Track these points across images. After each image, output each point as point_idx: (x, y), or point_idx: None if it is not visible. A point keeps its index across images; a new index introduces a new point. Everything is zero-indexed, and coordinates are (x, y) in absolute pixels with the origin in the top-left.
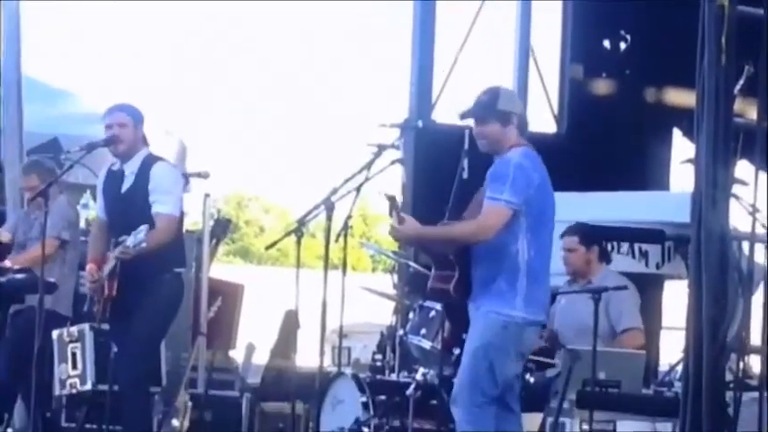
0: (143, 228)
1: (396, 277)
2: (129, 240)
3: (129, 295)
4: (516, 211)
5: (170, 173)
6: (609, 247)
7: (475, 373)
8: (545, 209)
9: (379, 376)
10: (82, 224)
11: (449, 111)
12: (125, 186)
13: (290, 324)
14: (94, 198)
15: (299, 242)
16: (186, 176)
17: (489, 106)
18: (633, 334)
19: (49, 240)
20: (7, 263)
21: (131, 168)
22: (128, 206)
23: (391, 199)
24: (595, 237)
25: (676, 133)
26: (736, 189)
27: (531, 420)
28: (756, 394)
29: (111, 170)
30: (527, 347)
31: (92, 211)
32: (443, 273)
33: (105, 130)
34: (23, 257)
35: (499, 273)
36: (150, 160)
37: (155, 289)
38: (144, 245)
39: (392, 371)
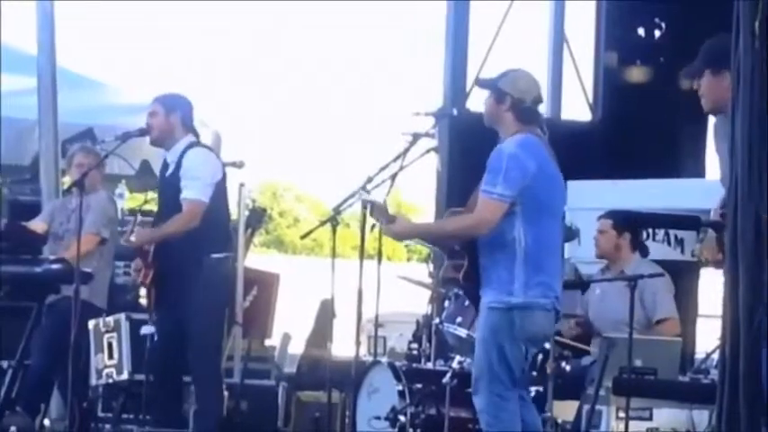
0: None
1: (431, 266)
2: (128, 228)
3: (168, 282)
4: (511, 203)
5: (201, 159)
6: (644, 235)
7: (488, 362)
8: (545, 194)
9: (415, 365)
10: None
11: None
12: (167, 174)
13: (326, 313)
14: (129, 188)
15: (334, 231)
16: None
17: (493, 80)
18: (669, 324)
19: (89, 236)
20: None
21: (173, 156)
22: (167, 193)
23: (369, 205)
24: (629, 224)
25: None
26: None
27: (567, 408)
28: None
29: (164, 160)
30: (537, 331)
31: (127, 201)
32: (456, 262)
33: None
34: (62, 253)
35: (498, 261)
36: (189, 147)
37: (194, 275)
38: (137, 227)
39: (428, 359)
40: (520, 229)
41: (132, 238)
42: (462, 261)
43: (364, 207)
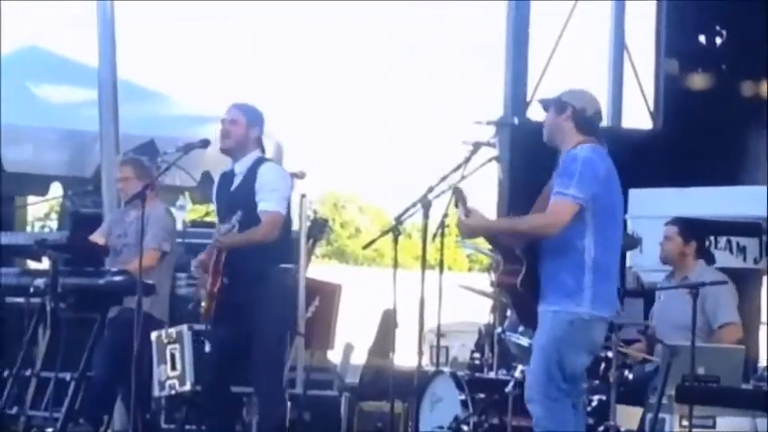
0: (237, 214)
1: (493, 275)
2: (223, 228)
3: (234, 293)
4: (582, 207)
5: (277, 171)
6: (706, 243)
7: (546, 368)
8: (612, 204)
9: (477, 374)
10: (179, 225)
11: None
12: (234, 185)
13: (388, 323)
14: (192, 200)
15: (395, 241)
16: None
17: (555, 97)
18: (730, 329)
19: (151, 252)
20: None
21: (241, 168)
22: (235, 204)
23: (457, 191)
24: (696, 233)
25: None
26: None
27: (630, 415)
28: None
29: (224, 172)
30: (596, 343)
31: (188, 213)
32: (512, 267)
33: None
34: (131, 265)
35: (564, 269)
36: (261, 161)
37: (262, 287)
38: (235, 229)
39: (491, 369)
40: (590, 237)
41: (214, 243)
42: (519, 267)
43: (454, 192)
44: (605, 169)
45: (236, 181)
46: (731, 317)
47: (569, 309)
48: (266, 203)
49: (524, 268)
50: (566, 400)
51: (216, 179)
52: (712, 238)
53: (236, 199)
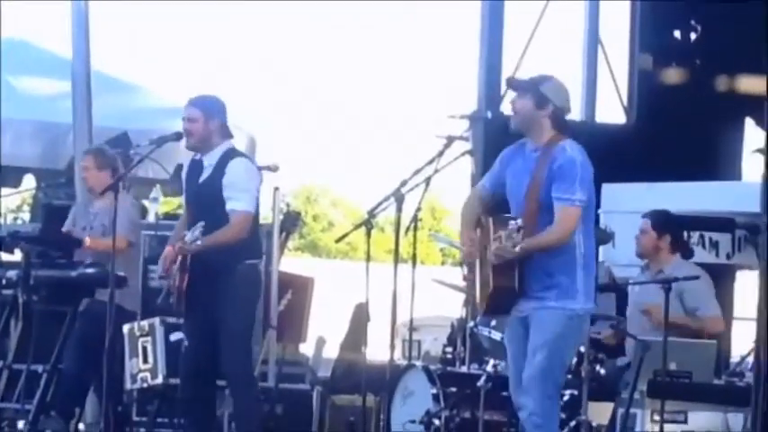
0: (200, 225)
1: (466, 269)
2: (188, 236)
3: (202, 288)
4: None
5: (246, 169)
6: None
7: (549, 365)
8: (593, 200)
9: (449, 368)
10: (151, 218)
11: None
12: (202, 177)
13: (361, 317)
14: (164, 192)
15: (368, 235)
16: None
17: (531, 83)
18: (714, 320)
19: (118, 237)
20: (87, 240)
21: (210, 161)
22: (202, 197)
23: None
24: (670, 227)
25: (748, 122)
26: None
27: (602, 410)
28: None
29: (194, 160)
30: (584, 336)
31: (161, 205)
32: (503, 272)
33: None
34: (101, 242)
35: (559, 267)
36: (230, 154)
37: (228, 281)
38: (199, 242)
39: (463, 363)
40: (579, 234)
41: (177, 251)
42: (510, 271)
43: (518, 229)
44: (592, 170)
45: (205, 173)
46: (714, 310)
47: (567, 305)
48: (235, 203)
49: (517, 272)
50: (557, 398)
51: (186, 165)
52: (685, 232)
53: (204, 192)
